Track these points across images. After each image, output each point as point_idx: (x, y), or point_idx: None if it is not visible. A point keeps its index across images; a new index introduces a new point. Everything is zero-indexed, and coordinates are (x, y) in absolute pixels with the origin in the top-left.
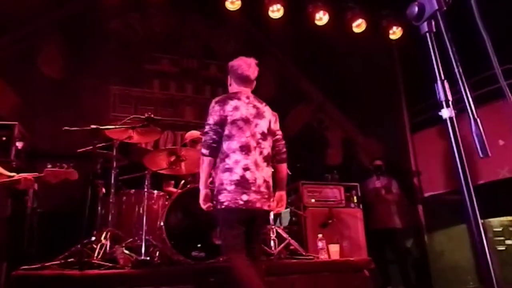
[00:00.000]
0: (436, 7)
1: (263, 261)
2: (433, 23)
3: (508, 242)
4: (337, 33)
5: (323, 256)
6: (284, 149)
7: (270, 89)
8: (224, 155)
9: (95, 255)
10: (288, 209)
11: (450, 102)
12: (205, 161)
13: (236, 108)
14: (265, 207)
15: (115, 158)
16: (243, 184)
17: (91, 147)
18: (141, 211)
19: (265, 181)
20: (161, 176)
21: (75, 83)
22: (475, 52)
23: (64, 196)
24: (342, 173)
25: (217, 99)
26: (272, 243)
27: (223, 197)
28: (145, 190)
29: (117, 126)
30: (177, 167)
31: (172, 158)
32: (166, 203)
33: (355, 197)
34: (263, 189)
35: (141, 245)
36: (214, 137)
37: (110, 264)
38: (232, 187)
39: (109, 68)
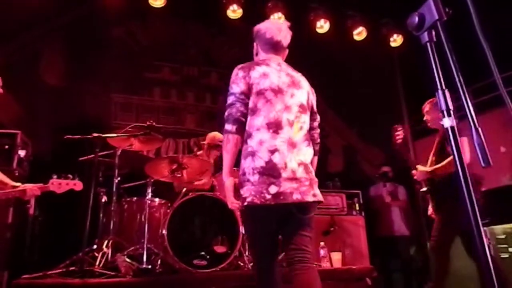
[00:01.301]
0: (437, 17)
1: (307, 270)
2: (433, 32)
3: (511, 249)
4: (338, 41)
5: (325, 264)
6: (319, 140)
7: None
8: (246, 136)
9: (97, 263)
10: None
11: (452, 111)
12: (231, 140)
13: (264, 75)
14: (308, 198)
15: (117, 166)
16: (270, 171)
17: (93, 155)
18: (142, 219)
19: (302, 164)
20: None
21: (77, 91)
22: (477, 59)
23: (66, 204)
24: (343, 180)
25: (241, 65)
26: None
27: (246, 191)
28: (147, 198)
29: (119, 134)
30: (179, 175)
31: (174, 166)
32: (168, 211)
33: (357, 205)
34: (300, 174)
35: (143, 254)
36: (242, 109)
37: (112, 273)
38: (256, 177)
39: (110, 76)
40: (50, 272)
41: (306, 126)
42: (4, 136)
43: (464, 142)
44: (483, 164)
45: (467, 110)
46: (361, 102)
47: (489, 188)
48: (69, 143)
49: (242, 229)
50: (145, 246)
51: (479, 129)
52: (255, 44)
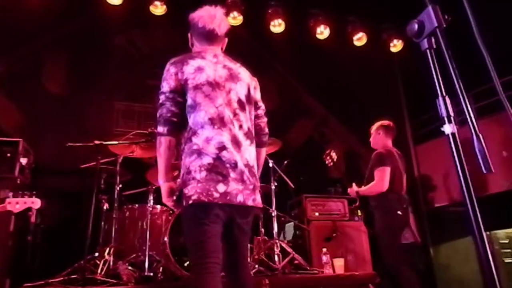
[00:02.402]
0: (436, 25)
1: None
2: (433, 39)
3: None
4: (338, 47)
5: (328, 271)
6: (266, 130)
7: (273, 103)
8: (190, 133)
9: (99, 271)
10: (292, 223)
11: (452, 118)
12: (163, 143)
13: (199, 69)
14: (249, 202)
15: (119, 173)
16: (218, 169)
17: (95, 162)
18: (144, 227)
19: (248, 165)
20: None
21: (79, 99)
22: (479, 62)
23: (68, 212)
24: (345, 186)
25: (173, 59)
26: (276, 257)
27: (191, 189)
28: (149, 205)
29: (120, 142)
30: None
31: (175, 173)
32: (170, 218)
33: (359, 211)
34: (246, 176)
35: (145, 261)
36: (173, 108)
37: (114, 281)
38: (203, 174)
39: (112, 84)
40: (52, 280)
41: (246, 125)
42: (6, 144)
43: (386, 171)
44: (484, 171)
45: (468, 117)
46: (362, 107)
47: (492, 192)
48: (71, 150)
49: None
50: (146, 253)
51: (480, 135)
52: (189, 34)
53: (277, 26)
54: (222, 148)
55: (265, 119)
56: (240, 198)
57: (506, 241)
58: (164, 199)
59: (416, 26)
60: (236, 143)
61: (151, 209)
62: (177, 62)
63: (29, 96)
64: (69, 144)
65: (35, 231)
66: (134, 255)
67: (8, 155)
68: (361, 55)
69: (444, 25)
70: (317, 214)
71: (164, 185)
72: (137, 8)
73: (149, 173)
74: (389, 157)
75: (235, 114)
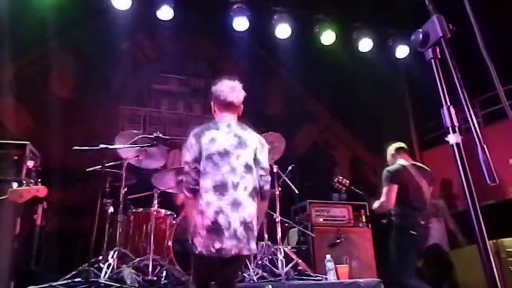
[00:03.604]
0: (441, 35)
1: None
2: (437, 49)
3: None
4: (344, 52)
5: (332, 277)
6: (267, 187)
7: (278, 109)
8: (199, 196)
9: (102, 274)
10: (296, 229)
11: (457, 128)
12: (191, 206)
13: (212, 140)
14: (244, 252)
15: (124, 177)
16: (215, 230)
17: (100, 166)
18: (148, 230)
19: (243, 223)
20: None
21: (86, 103)
22: (485, 69)
23: (73, 215)
24: (350, 192)
25: (194, 130)
26: (279, 263)
27: (197, 242)
28: (153, 209)
29: (126, 146)
30: None
31: (180, 177)
32: (174, 222)
33: (363, 217)
34: (240, 233)
35: (149, 265)
36: (195, 177)
37: (117, 284)
38: (204, 232)
39: (119, 89)
40: (56, 283)
41: (251, 185)
42: (14, 147)
43: (390, 189)
44: (489, 182)
45: (472, 127)
46: (368, 113)
47: (498, 200)
48: (77, 153)
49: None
50: (150, 257)
51: (484, 146)
52: (212, 103)
53: (283, 31)
54: (219, 212)
55: (267, 178)
56: (234, 251)
57: None
58: None
59: (421, 36)
60: (237, 204)
61: (155, 213)
62: (196, 134)
63: (37, 100)
64: (75, 147)
65: (40, 234)
66: (138, 259)
67: (15, 158)
68: (367, 60)
69: (449, 35)
70: (321, 220)
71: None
72: (145, 13)
73: (154, 177)
74: (397, 174)
75: (242, 177)
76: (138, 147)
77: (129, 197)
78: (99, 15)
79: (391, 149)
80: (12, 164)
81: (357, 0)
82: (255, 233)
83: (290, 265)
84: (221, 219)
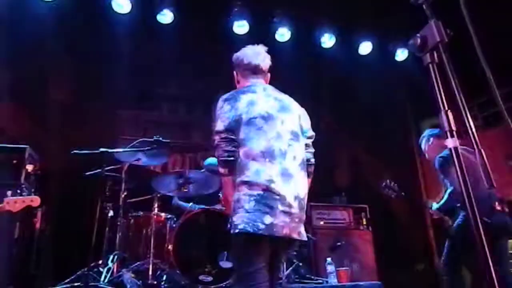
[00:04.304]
0: (438, 39)
1: None
2: (435, 54)
3: None
4: (344, 55)
5: (332, 280)
6: (313, 160)
7: None
8: (241, 165)
9: (102, 279)
10: None
11: (455, 132)
12: (228, 183)
13: (251, 103)
14: (294, 235)
15: (124, 180)
16: (267, 200)
17: (100, 170)
18: (149, 234)
19: (297, 198)
20: None
21: (85, 107)
22: (484, 73)
23: (72, 219)
24: (350, 195)
25: (225, 96)
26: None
27: (239, 219)
28: (153, 212)
29: (125, 149)
30: (185, 190)
31: (180, 181)
32: (174, 226)
33: (364, 219)
34: (294, 209)
35: (149, 269)
36: (228, 148)
37: None
38: (252, 204)
39: (119, 92)
40: (55, 287)
41: (300, 156)
42: (13, 151)
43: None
44: (487, 186)
45: (470, 132)
46: (368, 115)
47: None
48: (76, 157)
49: None
50: (151, 261)
51: (482, 150)
52: (235, 73)
53: (283, 34)
54: (271, 181)
55: (312, 150)
56: (285, 231)
57: None
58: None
59: (418, 40)
60: (287, 175)
61: (155, 216)
62: (229, 99)
63: (37, 104)
64: (74, 151)
65: (39, 238)
66: (138, 263)
67: (14, 161)
68: (367, 63)
69: (446, 40)
70: (322, 223)
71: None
72: (145, 17)
73: (155, 180)
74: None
75: (289, 145)
76: (138, 151)
77: (129, 200)
78: (99, 19)
79: (433, 136)
80: (11, 168)
81: (357, 4)
82: (304, 218)
83: (291, 268)
84: (274, 188)
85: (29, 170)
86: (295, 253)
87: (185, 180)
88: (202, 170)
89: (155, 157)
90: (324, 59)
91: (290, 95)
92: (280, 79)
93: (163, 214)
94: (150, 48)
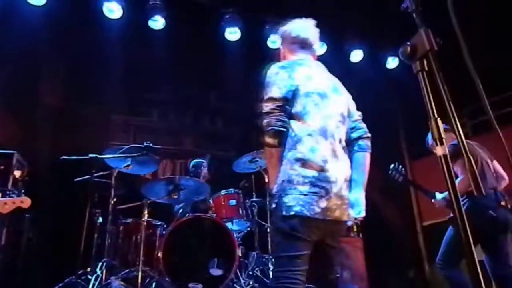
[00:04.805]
0: (428, 48)
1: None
2: (425, 62)
3: None
4: (335, 63)
5: None
6: (369, 133)
7: None
8: (294, 140)
9: (90, 286)
10: None
11: (444, 140)
12: (275, 155)
13: (309, 77)
14: (344, 217)
15: (113, 187)
16: (322, 183)
17: (89, 175)
18: (138, 241)
19: (346, 180)
20: None
21: (76, 112)
22: (480, 76)
23: (61, 226)
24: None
25: (280, 63)
26: (271, 273)
27: (293, 200)
28: (143, 219)
29: (115, 155)
30: (176, 196)
31: (171, 187)
32: (164, 232)
33: (355, 226)
34: (344, 191)
35: (138, 276)
36: (281, 118)
37: None
38: (307, 187)
39: (109, 97)
40: None
41: (344, 139)
42: (0, 156)
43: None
44: (475, 193)
45: (459, 140)
46: None
47: None
48: (65, 163)
49: (238, 251)
50: (140, 268)
51: (471, 157)
52: (281, 48)
53: (275, 41)
54: (325, 161)
55: (363, 125)
56: (337, 214)
57: None
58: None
59: (408, 49)
60: (336, 157)
61: (145, 223)
62: (286, 66)
63: (26, 109)
64: (63, 157)
65: (27, 245)
66: (127, 270)
67: (2, 167)
68: (358, 71)
69: (436, 48)
70: None
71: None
72: (136, 23)
73: (145, 187)
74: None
75: (337, 127)
76: (128, 157)
77: (119, 207)
78: (91, 24)
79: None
80: None
81: (348, 12)
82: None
83: None
84: (329, 170)
85: (16, 176)
86: None
87: (176, 187)
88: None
89: (145, 164)
90: None
91: None
92: None
93: (153, 221)
94: (141, 53)
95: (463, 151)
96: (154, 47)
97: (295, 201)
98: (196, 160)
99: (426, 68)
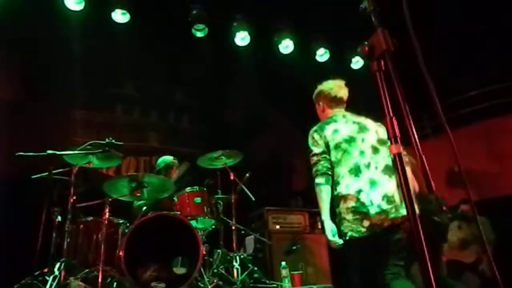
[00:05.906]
0: (384, 48)
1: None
2: (382, 62)
3: None
4: (302, 61)
5: (287, 284)
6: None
7: (236, 116)
8: (335, 182)
9: (47, 287)
10: (253, 236)
11: (398, 138)
12: (323, 190)
13: (335, 131)
14: (397, 221)
15: (73, 184)
16: (360, 209)
17: (47, 173)
18: (99, 240)
19: (385, 197)
20: None
21: (34, 107)
22: (450, 72)
23: (17, 224)
24: (306, 198)
25: (313, 128)
26: (235, 271)
27: (345, 228)
28: (104, 217)
29: (75, 152)
30: (139, 194)
31: (134, 185)
32: (126, 231)
33: (319, 223)
34: (385, 206)
35: (98, 276)
36: (326, 164)
37: None
38: (350, 215)
39: (70, 92)
40: None
41: (382, 164)
42: None
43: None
44: (427, 191)
45: (413, 139)
46: None
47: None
48: (23, 160)
49: (203, 249)
50: (100, 268)
51: (423, 157)
52: (318, 105)
53: (243, 39)
54: (359, 191)
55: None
56: (386, 223)
57: None
58: (330, 236)
59: (366, 49)
60: (373, 183)
61: (106, 222)
62: (318, 130)
63: None
64: (19, 153)
65: None
66: (87, 270)
67: None
68: (324, 70)
69: (392, 49)
70: (278, 227)
71: (328, 223)
72: (99, 15)
73: (106, 184)
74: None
75: (371, 158)
76: (89, 154)
77: (79, 205)
78: (51, 14)
79: None
80: None
81: (314, 12)
82: (403, 204)
83: (246, 272)
84: (364, 197)
85: None
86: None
87: (139, 184)
88: (157, 170)
89: (107, 161)
90: (283, 65)
91: (250, 102)
92: (239, 84)
93: (114, 219)
94: (105, 47)
95: (416, 150)
96: (119, 42)
97: (347, 228)
98: (171, 159)
99: (383, 68)
